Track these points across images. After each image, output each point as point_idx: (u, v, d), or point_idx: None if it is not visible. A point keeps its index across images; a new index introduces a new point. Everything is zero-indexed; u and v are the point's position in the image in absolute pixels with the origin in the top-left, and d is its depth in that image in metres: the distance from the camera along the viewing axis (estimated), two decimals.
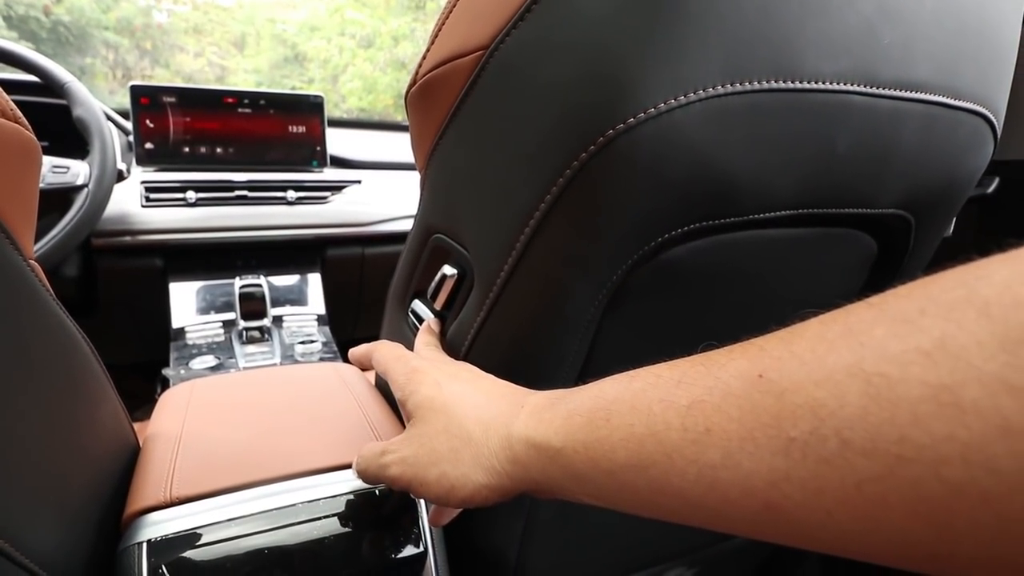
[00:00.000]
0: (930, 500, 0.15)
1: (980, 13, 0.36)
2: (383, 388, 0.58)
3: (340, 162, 1.25)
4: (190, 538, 0.38)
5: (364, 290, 1.27)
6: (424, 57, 0.40)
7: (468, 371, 0.35)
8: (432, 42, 0.39)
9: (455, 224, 0.42)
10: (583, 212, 0.32)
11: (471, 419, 0.30)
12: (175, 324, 1.06)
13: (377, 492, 0.43)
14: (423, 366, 0.35)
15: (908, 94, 0.34)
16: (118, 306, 1.07)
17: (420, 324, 0.46)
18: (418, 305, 0.49)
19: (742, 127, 0.30)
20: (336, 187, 1.17)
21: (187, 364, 0.99)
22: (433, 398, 0.32)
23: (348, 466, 0.44)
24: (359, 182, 1.19)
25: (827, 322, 0.18)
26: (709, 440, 0.19)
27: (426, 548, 0.43)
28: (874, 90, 0.32)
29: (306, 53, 3.23)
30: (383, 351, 0.39)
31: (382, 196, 1.20)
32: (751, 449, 0.18)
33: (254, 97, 1.12)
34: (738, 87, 0.29)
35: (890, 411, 0.15)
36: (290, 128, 1.16)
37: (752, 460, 0.18)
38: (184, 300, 1.09)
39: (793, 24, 0.29)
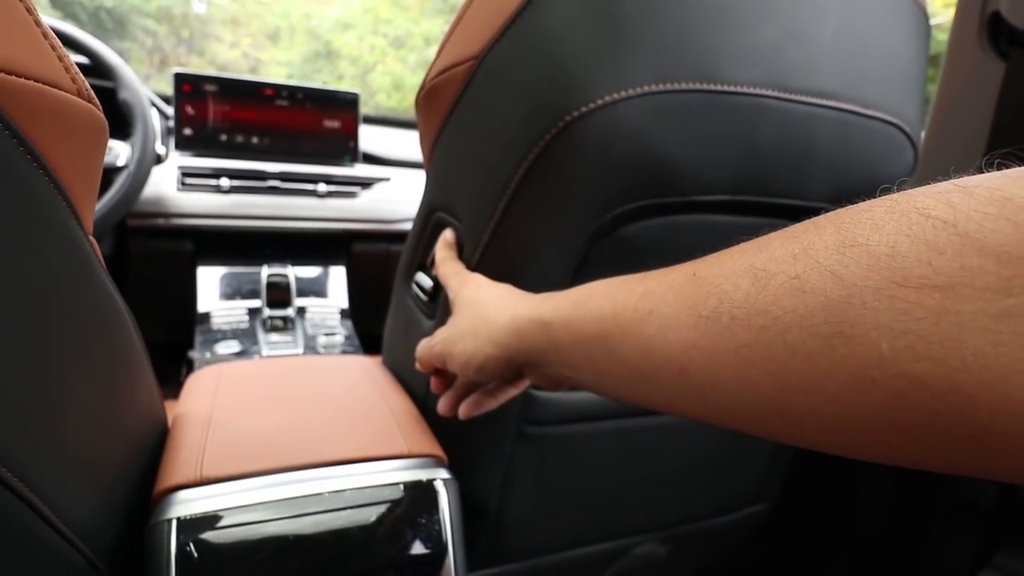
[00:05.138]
0: (776, 359, 0.19)
1: (880, 38, 0.43)
2: (409, 386, 0.59)
3: (371, 159, 1.26)
4: (218, 518, 0.39)
5: (387, 286, 1.28)
6: (431, 67, 0.48)
7: (505, 286, 0.42)
8: (437, 56, 0.48)
9: (450, 201, 0.49)
10: (548, 182, 0.39)
11: (492, 307, 0.37)
12: (201, 308, 1.07)
13: (402, 487, 0.43)
14: (472, 276, 0.44)
15: (819, 101, 0.41)
16: (146, 286, 1.08)
17: (421, 292, 0.54)
18: (419, 276, 0.55)
19: (674, 120, 0.37)
20: (366, 183, 1.18)
21: (212, 348, 1.00)
22: (471, 295, 0.40)
23: (373, 458, 0.45)
24: (388, 179, 1.20)
25: (752, 241, 0.23)
26: (650, 319, 0.25)
27: (445, 547, 0.43)
28: (786, 95, 0.40)
29: (338, 49, 3.25)
30: (446, 265, 0.47)
31: (410, 195, 1.21)
32: (674, 325, 0.24)
33: (292, 90, 1.13)
34: (667, 87, 0.36)
35: (761, 294, 0.20)
36: (325, 123, 1.17)
37: (674, 333, 0.23)
38: (211, 285, 1.10)
39: (710, 40, 0.37)
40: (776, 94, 0.39)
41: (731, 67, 0.37)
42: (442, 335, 0.40)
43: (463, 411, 0.42)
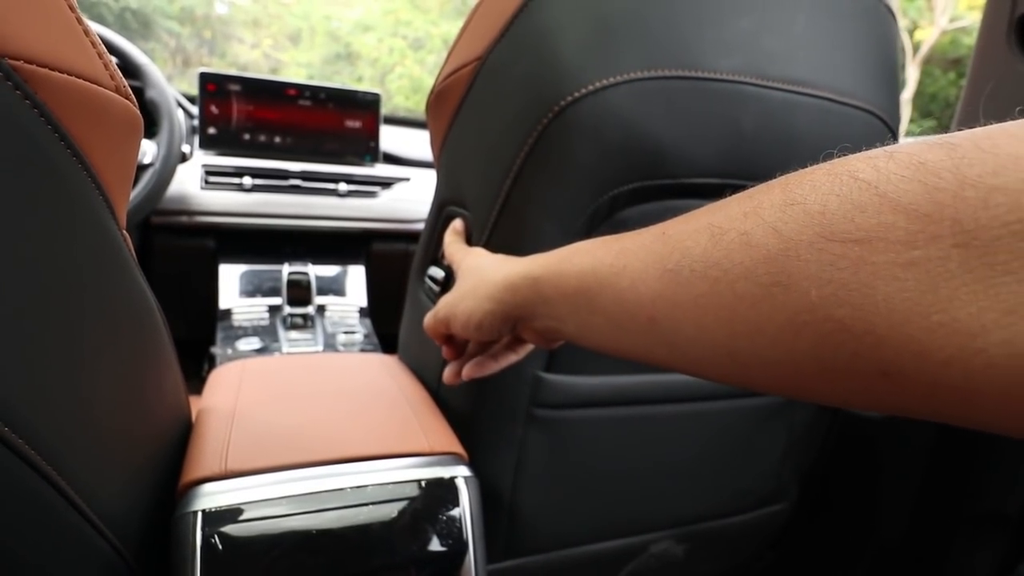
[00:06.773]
0: (726, 307, 0.21)
1: (847, 33, 0.46)
2: (423, 379, 0.60)
3: (391, 159, 1.27)
4: (242, 512, 0.39)
5: (406, 285, 1.29)
6: (440, 72, 0.52)
7: (504, 255, 0.45)
8: (445, 62, 0.51)
9: (460, 193, 0.52)
10: (547, 164, 0.42)
11: (490, 269, 0.39)
12: (223, 305, 1.09)
13: (423, 483, 0.43)
14: (475, 249, 0.47)
15: (796, 88, 0.44)
16: (169, 282, 1.10)
17: (434, 285, 0.56)
18: (432, 269, 0.57)
19: (659, 104, 0.40)
20: (386, 183, 1.19)
21: (233, 344, 1.01)
22: (473, 262, 0.43)
23: (395, 455, 0.45)
24: (408, 179, 1.21)
25: (716, 202, 0.25)
26: (624, 273, 0.27)
27: (466, 544, 0.43)
28: (765, 83, 0.42)
29: (358, 51, 3.27)
30: (453, 246, 0.50)
31: (429, 195, 1.21)
32: (644, 278, 0.26)
33: (314, 90, 1.14)
34: (652, 73, 0.40)
35: (716, 249, 0.22)
36: (346, 123, 1.18)
37: (644, 286, 0.26)
38: (232, 282, 1.11)
39: (691, 31, 0.41)
40: (755, 81, 0.42)
41: (711, 55, 0.41)
42: (446, 299, 0.43)
43: (467, 372, 0.44)
